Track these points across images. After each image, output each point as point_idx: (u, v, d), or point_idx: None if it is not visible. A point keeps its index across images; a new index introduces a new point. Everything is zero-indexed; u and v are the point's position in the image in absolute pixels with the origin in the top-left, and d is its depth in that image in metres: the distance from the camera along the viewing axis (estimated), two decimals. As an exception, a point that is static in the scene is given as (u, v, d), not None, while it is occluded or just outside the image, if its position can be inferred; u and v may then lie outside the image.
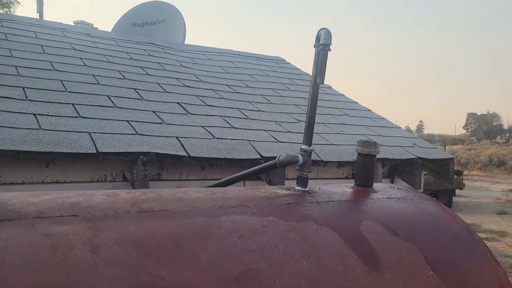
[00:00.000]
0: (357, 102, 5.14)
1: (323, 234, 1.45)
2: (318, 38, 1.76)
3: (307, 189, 1.80)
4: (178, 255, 1.15)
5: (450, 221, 1.84)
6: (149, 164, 2.30)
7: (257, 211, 1.47)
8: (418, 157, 3.61)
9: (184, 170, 2.65)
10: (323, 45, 1.73)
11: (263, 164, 1.78)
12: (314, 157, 3.04)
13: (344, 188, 1.93)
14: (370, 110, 5.01)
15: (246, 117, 3.45)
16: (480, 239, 1.86)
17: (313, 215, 1.54)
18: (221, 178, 1.98)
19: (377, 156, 2.30)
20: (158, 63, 4.64)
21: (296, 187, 1.79)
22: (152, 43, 5.37)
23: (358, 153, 2.00)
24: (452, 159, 4.09)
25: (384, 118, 4.77)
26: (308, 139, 1.85)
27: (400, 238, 1.60)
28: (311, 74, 1.81)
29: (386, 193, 2.01)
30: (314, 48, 1.81)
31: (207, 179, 2.76)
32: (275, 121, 3.52)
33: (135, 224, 1.21)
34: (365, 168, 2.01)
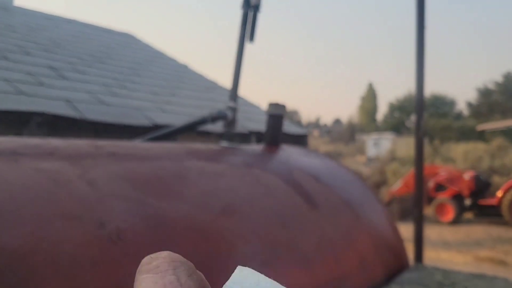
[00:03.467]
0: (216, 83, 5.36)
1: (270, 178, 1.60)
2: (247, 1, 1.88)
3: (232, 145, 1.91)
4: (167, 192, 1.16)
5: (346, 171, 2.17)
6: (44, 126, 2.04)
7: (209, 159, 1.53)
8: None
9: (69, 136, 2.42)
10: (255, 6, 1.85)
11: (195, 119, 1.81)
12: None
13: (259, 147, 2.10)
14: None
15: (123, 87, 3.30)
16: (370, 188, 2.25)
17: (253, 163, 1.67)
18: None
19: (251, 130, 2.52)
20: (7, 25, 4.03)
21: (222, 144, 1.87)
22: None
23: (269, 114, 2.17)
24: (306, 135, 4.64)
25: (243, 98, 5.10)
26: (233, 96, 1.95)
27: (321, 183, 1.84)
28: (238, 34, 1.92)
29: (294, 151, 2.25)
30: (230, 11, 1.92)
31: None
32: (152, 94, 3.45)
33: (115, 164, 1.16)
34: (275, 128, 2.20)
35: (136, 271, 0.72)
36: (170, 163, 1.34)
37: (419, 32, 2.32)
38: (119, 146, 1.35)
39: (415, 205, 2.03)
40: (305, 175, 1.81)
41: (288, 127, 4.13)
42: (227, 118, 1.87)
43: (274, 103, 2.24)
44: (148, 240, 0.96)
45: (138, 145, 1.45)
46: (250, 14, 1.89)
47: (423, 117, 2.18)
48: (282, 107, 2.20)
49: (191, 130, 1.80)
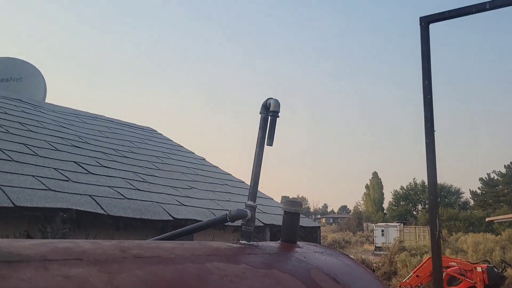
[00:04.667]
0: (230, 174, 5.47)
1: (289, 280, 1.59)
2: (266, 106, 2.01)
3: (251, 243, 1.93)
4: (191, 298, 1.17)
5: (363, 270, 2.15)
6: (68, 222, 2.10)
7: (230, 260, 1.55)
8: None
9: (91, 231, 2.46)
10: (273, 111, 1.98)
11: (215, 218, 1.85)
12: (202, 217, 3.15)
13: (276, 244, 2.11)
14: (244, 182, 5.37)
15: (144, 180, 3.41)
16: (384, 282, 2.21)
17: (273, 264, 1.68)
18: (135, 239, 1.95)
19: (265, 222, 2.55)
20: (38, 121, 4.31)
21: (241, 241, 1.90)
22: (20, 100, 4.94)
23: (285, 211, 2.21)
24: (319, 227, 4.61)
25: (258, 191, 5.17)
26: (253, 196, 2.01)
27: (340, 284, 1.82)
28: (257, 137, 2.03)
29: (310, 248, 2.26)
30: (259, 115, 2.05)
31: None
32: (171, 186, 3.55)
33: (139, 268, 1.19)
34: (291, 225, 2.22)
35: None
36: (193, 265, 1.36)
37: (428, 128, 2.40)
38: (143, 247, 1.39)
39: None
40: (324, 275, 1.80)
41: (301, 220, 4.15)
42: (246, 216, 1.91)
43: (290, 200, 2.28)
44: None
45: (162, 245, 1.49)
46: (269, 119, 2.01)
47: (438, 225, 2.19)
48: (298, 203, 2.24)
49: (210, 227, 1.84)
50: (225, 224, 3.25)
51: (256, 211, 3.92)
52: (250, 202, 1.99)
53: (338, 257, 2.19)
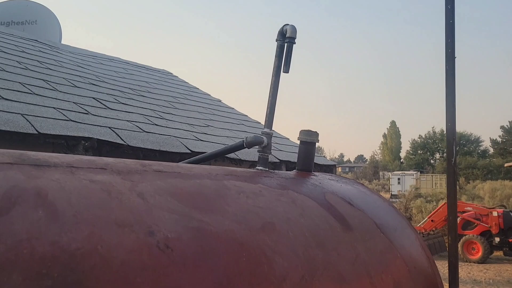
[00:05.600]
0: (247, 115, 5.50)
1: (304, 200, 1.64)
2: (283, 33, 1.98)
3: (267, 169, 1.97)
4: (210, 207, 1.22)
5: (378, 197, 2.18)
6: (90, 150, 2.17)
7: (246, 180, 1.59)
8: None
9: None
10: (289, 38, 1.95)
11: (232, 144, 1.89)
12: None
13: (292, 172, 2.15)
14: (260, 123, 5.40)
15: (161, 117, 3.46)
16: (399, 211, 2.25)
17: (288, 185, 1.72)
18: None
19: (281, 159, 2.57)
20: (56, 60, 4.34)
21: (258, 167, 1.94)
22: (36, 40, 4.95)
23: (301, 141, 2.23)
24: (335, 165, 4.65)
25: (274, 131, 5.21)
26: (269, 123, 2.02)
27: (354, 207, 1.86)
28: (273, 65, 2.01)
29: (326, 176, 2.29)
30: (275, 43, 2.02)
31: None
32: (188, 124, 3.59)
33: (159, 179, 1.24)
34: (307, 155, 2.24)
35: (182, 279, 0.80)
36: (211, 181, 1.40)
37: (448, 54, 2.35)
38: (163, 165, 1.43)
39: (450, 237, 2.01)
40: (339, 199, 1.84)
41: (317, 158, 4.18)
42: (263, 143, 1.94)
43: (306, 130, 2.30)
44: (194, 250, 1.01)
45: (180, 165, 1.53)
46: (285, 46, 1.98)
47: (455, 152, 2.18)
48: (315, 133, 2.25)
49: (228, 154, 1.88)
50: (242, 159, 3.31)
51: (272, 148, 3.97)
52: (266, 130, 2.01)
53: (353, 185, 2.23)
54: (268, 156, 1.98)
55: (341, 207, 1.76)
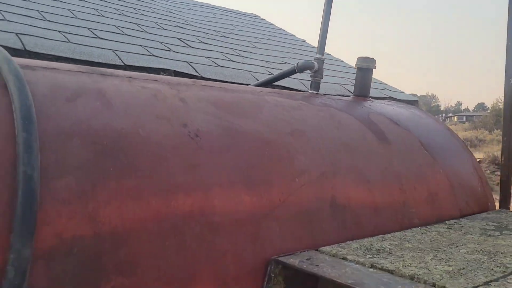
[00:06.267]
0: (330, 54, 5.51)
1: (344, 116, 1.77)
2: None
3: (319, 92, 2.10)
4: (244, 114, 1.43)
5: (434, 121, 2.22)
6: (168, 81, 2.52)
7: (289, 97, 1.76)
8: (390, 96, 4.04)
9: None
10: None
11: (285, 70, 2.06)
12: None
13: (346, 97, 2.25)
14: (343, 61, 5.39)
15: (239, 55, 3.71)
16: (457, 135, 2.26)
17: (332, 104, 1.86)
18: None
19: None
20: (149, 7, 4.78)
21: (309, 91, 2.08)
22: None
23: (358, 67, 2.30)
24: (417, 101, 4.54)
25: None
26: (321, 49, 2.12)
27: (400, 126, 1.95)
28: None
29: (381, 102, 2.36)
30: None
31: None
32: (265, 61, 3.80)
33: (203, 90, 1.47)
34: (364, 81, 2.31)
35: (207, 160, 1.07)
36: (252, 96, 1.61)
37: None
38: (212, 83, 1.66)
39: (503, 157, 2.00)
40: (384, 119, 1.94)
41: (397, 94, 4.13)
42: (314, 67, 2.06)
43: (363, 57, 2.37)
44: (220, 141, 1.25)
45: (228, 84, 1.76)
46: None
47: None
48: (371, 60, 2.31)
49: (282, 79, 2.05)
50: (298, 89, 3.43)
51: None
52: (318, 56, 2.13)
53: (410, 109, 2.28)
54: (319, 80, 2.10)
55: (383, 125, 1.86)
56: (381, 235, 1.40)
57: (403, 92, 4.42)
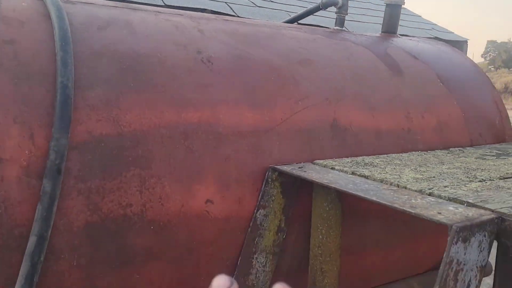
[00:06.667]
0: None
1: (359, 49, 1.87)
2: None
3: (343, 28, 2.18)
4: (258, 44, 1.59)
5: (460, 57, 2.24)
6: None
7: (308, 31, 1.88)
8: (435, 37, 3.96)
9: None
10: None
11: (309, 8, 2.16)
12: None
13: (377, 34, 2.31)
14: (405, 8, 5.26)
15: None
16: (484, 73, 2.28)
17: (350, 38, 1.95)
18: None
19: (400, 34, 2.65)
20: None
21: (334, 27, 2.16)
22: None
23: (387, 4, 2.33)
24: (466, 41, 4.39)
25: (405, 8, 5.05)
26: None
27: (418, 60, 2.01)
28: None
29: (409, 38, 2.40)
30: None
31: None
32: (307, 2, 3.84)
33: (223, 24, 1.64)
34: (392, 17, 2.35)
35: (216, 81, 1.28)
36: (269, 29, 1.75)
37: None
38: (233, 18, 1.82)
39: None
40: (403, 52, 2.01)
41: (445, 34, 4.02)
42: (338, 4, 2.13)
43: (392, -7, 2.38)
44: (229, 66, 1.42)
45: (250, 19, 1.90)
46: None
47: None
48: (400, -4, 2.34)
49: (307, 16, 2.15)
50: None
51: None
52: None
53: (436, 45, 2.31)
54: (344, 16, 2.18)
55: (400, 58, 1.94)
56: (378, 155, 1.54)
57: (452, 33, 4.28)
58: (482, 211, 0.90)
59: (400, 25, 4.05)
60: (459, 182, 1.14)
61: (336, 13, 2.19)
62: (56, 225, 1.03)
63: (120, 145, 1.13)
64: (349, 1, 2.18)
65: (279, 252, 1.40)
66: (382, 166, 1.32)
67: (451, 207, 0.92)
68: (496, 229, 0.87)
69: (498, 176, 1.22)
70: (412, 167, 1.32)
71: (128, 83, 1.20)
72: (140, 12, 1.48)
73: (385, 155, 1.53)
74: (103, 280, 1.13)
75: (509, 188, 1.07)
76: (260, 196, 1.33)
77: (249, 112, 1.36)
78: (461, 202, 0.96)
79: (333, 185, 1.10)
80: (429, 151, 1.66)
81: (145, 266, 1.18)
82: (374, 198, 0.98)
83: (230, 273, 1.33)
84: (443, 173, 1.25)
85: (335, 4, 2.16)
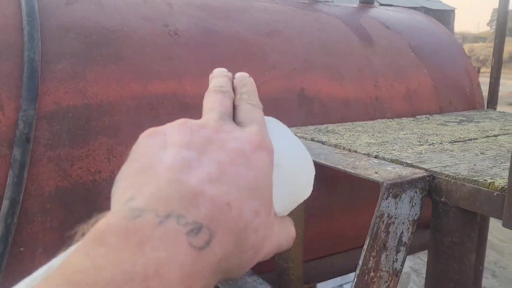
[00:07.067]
0: None
1: (331, 20, 1.91)
2: None
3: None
4: (227, 17, 1.63)
5: (434, 26, 2.27)
6: None
7: (280, 3, 1.92)
8: (422, 6, 3.97)
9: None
10: None
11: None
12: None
13: (355, 4, 2.33)
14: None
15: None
16: (458, 42, 2.31)
17: (323, 10, 1.99)
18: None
19: (384, 3, 2.64)
20: None
21: (314, -1, 2.18)
22: None
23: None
24: (453, 11, 4.37)
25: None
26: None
27: (391, 30, 2.05)
28: None
29: (387, 8, 2.42)
30: None
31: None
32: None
33: (194, -3, 1.67)
34: (369, -12, 2.36)
35: (182, 54, 1.33)
36: (240, 2, 1.78)
37: None
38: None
39: (494, 59, 2.05)
40: (376, 23, 2.05)
41: (432, 3, 4.02)
42: (314, -25, 2.15)
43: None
44: (196, 38, 1.47)
45: (225, -8, 1.92)
46: None
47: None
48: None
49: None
50: None
51: None
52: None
53: (412, 15, 2.34)
54: (320, -13, 2.19)
55: (372, 28, 1.98)
56: (343, 123, 1.61)
57: (440, 2, 4.28)
58: (417, 170, 0.97)
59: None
60: (408, 146, 1.20)
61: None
62: (28, 190, 1.11)
63: (87, 115, 1.19)
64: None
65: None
66: (342, 133, 1.39)
67: (390, 167, 0.99)
68: (428, 186, 0.94)
69: (449, 140, 1.29)
70: (370, 133, 1.38)
71: (95, 56, 1.25)
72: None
73: (350, 123, 1.59)
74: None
75: (452, 151, 1.14)
76: (226, 163, 1.40)
77: (215, 83, 1.42)
78: (401, 163, 1.03)
79: (287, 150, 1.16)
80: (395, 119, 1.72)
81: (116, 229, 1.27)
82: (322, 161, 1.04)
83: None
84: (398, 138, 1.31)
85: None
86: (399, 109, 1.81)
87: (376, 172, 0.95)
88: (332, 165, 1.02)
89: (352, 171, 0.97)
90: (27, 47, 1.14)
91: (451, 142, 1.25)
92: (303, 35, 1.74)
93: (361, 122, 1.63)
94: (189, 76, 1.38)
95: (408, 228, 0.93)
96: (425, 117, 1.78)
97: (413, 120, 1.69)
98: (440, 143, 1.24)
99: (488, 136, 1.37)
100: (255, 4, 1.79)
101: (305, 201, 0.50)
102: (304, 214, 1.49)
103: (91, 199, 1.20)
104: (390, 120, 1.69)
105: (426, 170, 0.96)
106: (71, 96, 1.18)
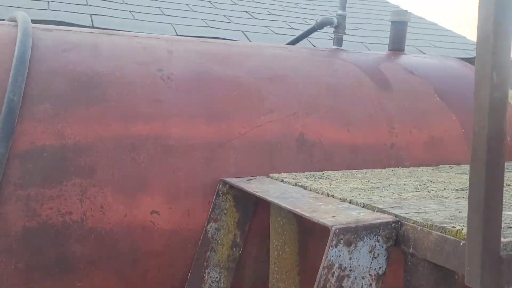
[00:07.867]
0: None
1: (345, 66, 1.83)
2: None
3: (342, 48, 2.15)
4: (227, 62, 1.61)
5: (470, 72, 2.10)
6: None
7: (293, 50, 1.88)
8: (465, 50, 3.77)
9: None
10: None
11: (305, 30, 2.16)
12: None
13: (378, 52, 2.25)
14: (436, 24, 5.10)
15: (306, 23, 3.81)
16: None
17: (341, 56, 1.92)
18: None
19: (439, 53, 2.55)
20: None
21: (332, 47, 2.14)
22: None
23: (392, 21, 2.27)
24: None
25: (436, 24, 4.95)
26: (342, 5, 2.16)
27: (414, 75, 1.92)
28: None
29: (416, 55, 2.31)
30: None
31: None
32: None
33: (198, 45, 1.68)
34: (397, 34, 2.28)
35: (171, 96, 1.32)
36: (250, 49, 1.77)
37: None
38: (217, 40, 1.87)
39: None
40: (396, 67, 1.93)
41: (453, 51, 3.82)
42: (333, 23, 2.11)
43: (396, 10, 2.33)
44: (190, 82, 1.45)
45: (236, 41, 1.94)
46: None
47: None
48: (404, 12, 2.28)
49: (302, 39, 2.16)
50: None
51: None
52: (340, 11, 2.17)
53: (443, 61, 2.20)
54: (341, 36, 2.15)
55: (392, 73, 1.87)
56: (345, 170, 1.48)
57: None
58: (383, 215, 0.83)
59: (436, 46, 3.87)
60: (398, 193, 1.06)
61: (333, 32, 2.17)
62: (-6, 228, 1.10)
63: (62, 155, 1.19)
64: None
65: (236, 267, 1.37)
66: (333, 180, 1.27)
67: (355, 212, 0.86)
68: (395, 234, 0.79)
69: (454, 188, 1.12)
70: (365, 180, 1.25)
71: (79, 98, 1.27)
72: (114, 37, 1.57)
73: (355, 170, 1.46)
74: (43, 286, 1.17)
75: (446, 198, 0.98)
76: (211, 209, 1.32)
77: (203, 125, 1.38)
78: (373, 208, 0.89)
79: (258, 194, 1.07)
80: (411, 168, 1.56)
81: (87, 275, 1.21)
82: (282, 204, 0.94)
83: (181, 286, 1.31)
84: (393, 185, 1.17)
85: (330, 24, 2.14)
86: (419, 158, 1.65)
87: (334, 216, 0.82)
88: (290, 207, 0.90)
89: (307, 215, 0.85)
90: (9, 89, 1.17)
91: (454, 190, 1.09)
92: (309, 79, 1.67)
93: (370, 170, 1.49)
94: (176, 118, 1.35)
95: (371, 284, 0.78)
96: (449, 166, 1.60)
97: (433, 169, 1.52)
98: (439, 190, 1.08)
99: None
100: (264, 51, 1.77)
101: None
102: (298, 268, 1.35)
103: (59, 242, 1.17)
104: (404, 168, 1.53)
105: (395, 215, 0.82)
106: (48, 136, 1.19)
